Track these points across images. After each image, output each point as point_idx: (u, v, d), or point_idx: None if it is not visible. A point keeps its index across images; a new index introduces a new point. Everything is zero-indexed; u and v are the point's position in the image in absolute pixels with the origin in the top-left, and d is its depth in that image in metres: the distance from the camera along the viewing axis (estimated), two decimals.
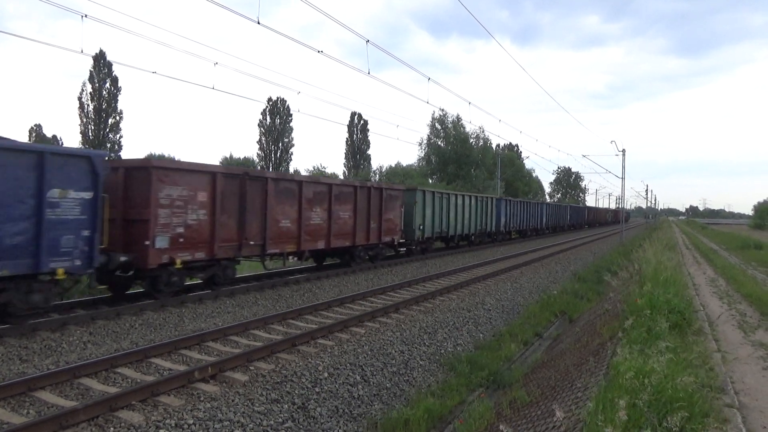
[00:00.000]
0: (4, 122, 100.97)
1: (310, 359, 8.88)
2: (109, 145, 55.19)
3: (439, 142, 57.95)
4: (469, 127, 59.13)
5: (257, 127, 69.75)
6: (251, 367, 8.29)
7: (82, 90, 56.07)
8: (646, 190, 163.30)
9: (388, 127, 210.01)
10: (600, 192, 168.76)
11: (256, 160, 67.18)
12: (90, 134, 55.74)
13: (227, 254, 13.38)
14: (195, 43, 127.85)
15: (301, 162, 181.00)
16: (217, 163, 43.00)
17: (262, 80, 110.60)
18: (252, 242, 14.03)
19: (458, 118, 56.84)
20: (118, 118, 56.79)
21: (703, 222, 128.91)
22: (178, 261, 11.91)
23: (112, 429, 6.07)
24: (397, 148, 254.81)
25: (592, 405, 5.24)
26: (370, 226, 19.53)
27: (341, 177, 62.47)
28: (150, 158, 20.17)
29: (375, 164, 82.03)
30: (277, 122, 69.93)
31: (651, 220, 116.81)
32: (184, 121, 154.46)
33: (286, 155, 69.97)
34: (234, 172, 13.81)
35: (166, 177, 11.62)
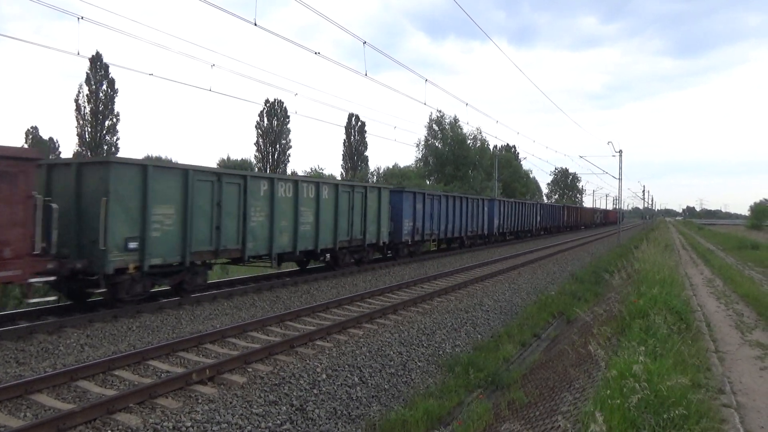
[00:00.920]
0: (0, 125, 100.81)
1: (308, 361, 8.88)
2: (106, 147, 55.06)
3: (437, 144, 58.05)
4: (467, 129, 59.30)
5: (255, 128, 69.77)
6: (249, 369, 8.28)
7: (79, 92, 55.76)
8: (643, 190, 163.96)
9: (385, 129, 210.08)
10: (597, 193, 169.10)
11: (254, 161, 67.12)
12: (87, 136, 55.58)
13: None
14: (192, 45, 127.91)
15: (299, 164, 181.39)
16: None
17: (260, 82, 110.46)
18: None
19: (455, 120, 57.02)
20: (115, 120, 56.56)
21: (700, 222, 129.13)
22: None
23: (109, 431, 6.06)
24: (394, 149, 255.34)
25: (590, 406, 5.24)
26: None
27: (338, 179, 62.43)
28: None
29: (373, 166, 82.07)
30: (274, 124, 69.86)
31: (648, 221, 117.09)
32: (182, 124, 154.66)
33: (283, 157, 69.94)
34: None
35: None
